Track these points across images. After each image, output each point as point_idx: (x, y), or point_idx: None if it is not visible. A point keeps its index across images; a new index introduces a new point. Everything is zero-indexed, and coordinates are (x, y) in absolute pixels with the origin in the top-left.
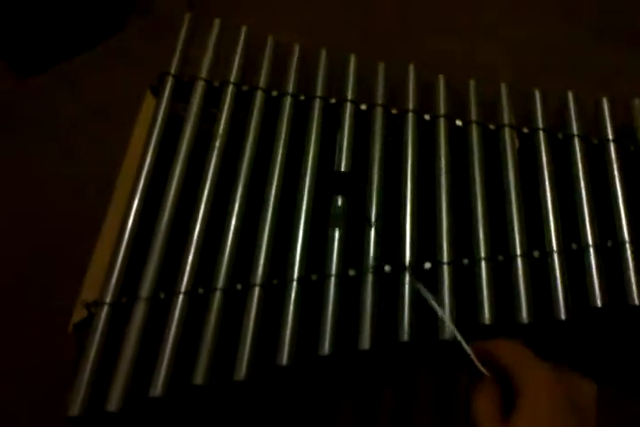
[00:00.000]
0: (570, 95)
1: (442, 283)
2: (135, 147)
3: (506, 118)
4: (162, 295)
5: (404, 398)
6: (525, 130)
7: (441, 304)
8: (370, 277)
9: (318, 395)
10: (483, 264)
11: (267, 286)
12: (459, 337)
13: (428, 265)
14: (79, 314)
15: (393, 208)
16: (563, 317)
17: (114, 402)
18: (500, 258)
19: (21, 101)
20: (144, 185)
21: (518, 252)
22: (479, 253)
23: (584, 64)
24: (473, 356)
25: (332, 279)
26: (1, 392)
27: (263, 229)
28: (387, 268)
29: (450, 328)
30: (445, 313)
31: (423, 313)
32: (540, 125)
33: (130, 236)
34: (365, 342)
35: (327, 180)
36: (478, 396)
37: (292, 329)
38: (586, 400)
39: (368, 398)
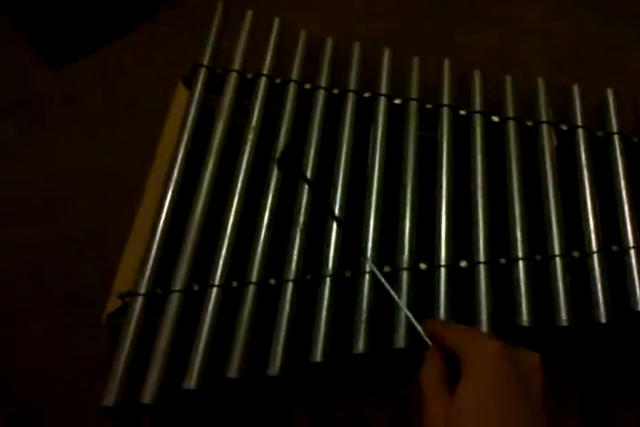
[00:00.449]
0: (609, 93)
1: (478, 283)
2: (167, 139)
3: (544, 115)
4: (195, 288)
5: None
6: (564, 127)
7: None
8: (405, 275)
9: (349, 391)
10: (520, 264)
11: (300, 281)
12: (404, 310)
13: (464, 264)
14: (113, 304)
15: (427, 205)
16: (603, 320)
17: (148, 394)
18: (538, 257)
19: (51, 91)
20: (177, 177)
21: (557, 252)
22: (516, 252)
23: (623, 61)
24: (419, 327)
25: (366, 276)
26: (34, 381)
27: (296, 223)
28: (422, 266)
29: (400, 304)
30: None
31: (459, 311)
32: (579, 123)
33: (163, 227)
34: (400, 341)
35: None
36: (424, 367)
37: (325, 325)
38: (534, 377)
39: (399, 397)
